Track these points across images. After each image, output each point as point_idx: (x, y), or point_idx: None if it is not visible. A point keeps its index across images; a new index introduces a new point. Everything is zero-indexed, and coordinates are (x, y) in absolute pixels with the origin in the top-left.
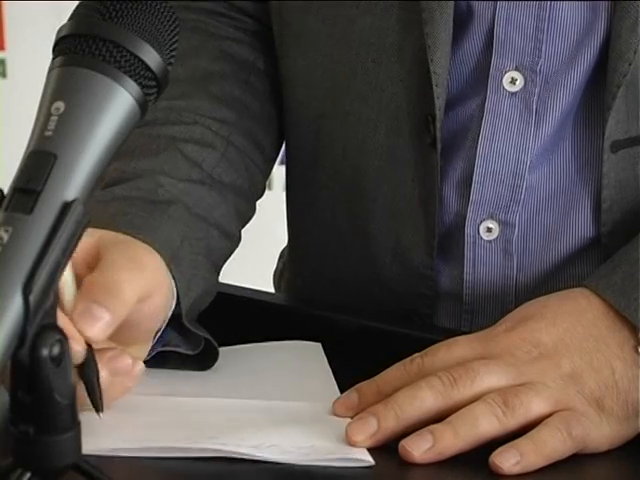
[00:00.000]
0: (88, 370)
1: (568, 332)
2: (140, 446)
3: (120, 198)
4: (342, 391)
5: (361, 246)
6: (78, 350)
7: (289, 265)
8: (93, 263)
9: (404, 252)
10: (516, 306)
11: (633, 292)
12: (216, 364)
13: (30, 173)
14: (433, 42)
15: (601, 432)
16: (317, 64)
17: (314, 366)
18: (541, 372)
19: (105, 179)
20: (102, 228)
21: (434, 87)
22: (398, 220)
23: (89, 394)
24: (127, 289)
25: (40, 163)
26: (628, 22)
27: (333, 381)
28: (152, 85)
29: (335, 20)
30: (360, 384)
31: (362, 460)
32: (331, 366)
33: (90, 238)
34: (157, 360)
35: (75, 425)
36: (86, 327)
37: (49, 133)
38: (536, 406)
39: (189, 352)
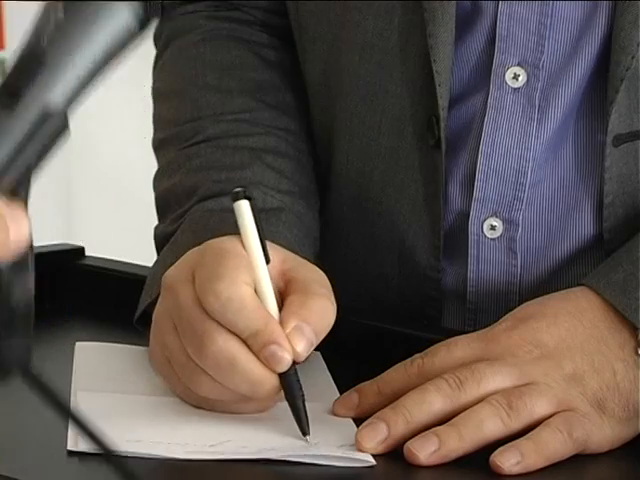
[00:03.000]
0: (293, 392)
1: (569, 332)
2: (139, 450)
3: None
4: (345, 392)
5: (367, 248)
6: (287, 359)
7: None
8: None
9: (410, 254)
10: (520, 305)
11: (634, 292)
12: None
13: (17, 75)
14: (435, 42)
15: (602, 433)
16: (323, 67)
17: (313, 370)
18: (544, 373)
19: (198, 191)
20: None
21: (437, 87)
22: (403, 222)
23: (294, 416)
24: (331, 316)
25: (28, 67)
26: (631, 15)
27: (332, 383)
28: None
29: (340, 23)
30: (360, 384)
31: (364, 460)
32: (335, 367)
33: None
34: None
35: (27, 336)
36: (298, 343)
37: (42, 39)
38: (540, 407)
39: None
